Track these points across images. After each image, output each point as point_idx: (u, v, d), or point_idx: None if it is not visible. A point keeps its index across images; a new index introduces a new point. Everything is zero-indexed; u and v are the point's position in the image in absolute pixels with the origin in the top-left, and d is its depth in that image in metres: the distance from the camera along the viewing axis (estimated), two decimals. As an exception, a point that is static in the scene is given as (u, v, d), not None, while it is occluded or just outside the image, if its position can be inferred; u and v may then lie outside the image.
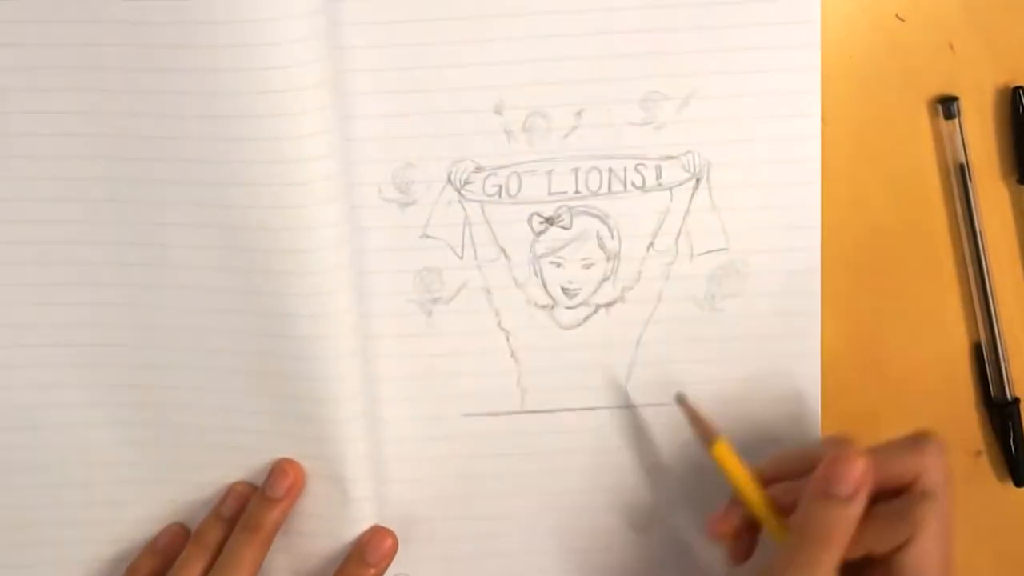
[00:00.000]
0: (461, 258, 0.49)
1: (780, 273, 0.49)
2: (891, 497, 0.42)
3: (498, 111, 0.48)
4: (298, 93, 0.43)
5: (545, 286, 0.49)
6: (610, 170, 0.48)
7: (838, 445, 0.43)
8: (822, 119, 0.48)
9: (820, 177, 0.48)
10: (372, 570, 0.48)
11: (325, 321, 0.46)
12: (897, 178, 0.50)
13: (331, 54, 0.44)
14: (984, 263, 0.50)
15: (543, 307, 0.49)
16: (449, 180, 0.48)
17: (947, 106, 0.48)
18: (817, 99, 0.47)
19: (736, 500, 0.45)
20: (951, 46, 0.49)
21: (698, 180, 0.48)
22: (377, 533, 0.48)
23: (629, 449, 0.50)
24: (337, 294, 0.46)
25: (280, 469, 0.48)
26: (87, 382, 0.48)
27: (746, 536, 0.46)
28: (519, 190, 0.48)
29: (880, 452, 0.42)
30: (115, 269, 0.47)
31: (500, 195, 0.48)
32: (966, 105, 0.49)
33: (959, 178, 0.49)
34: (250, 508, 0.48)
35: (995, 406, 0.51)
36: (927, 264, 0.50)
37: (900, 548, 0.41)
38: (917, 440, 0.42)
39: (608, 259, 0.49)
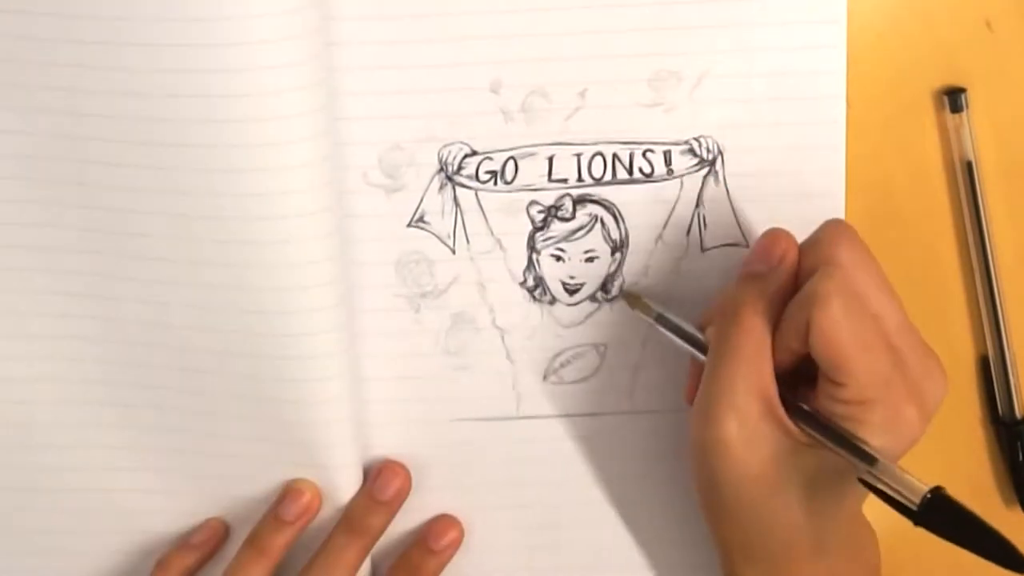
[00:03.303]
0: (453, 250, 0.48)
1: (799, 269, 0.48)
2: None
3: (494, 89, 0.46)
4: (282, 70, 0.42)
5: (544, 281, 0.48)
6: (615, 156, 0.47)
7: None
8: (847, 103, 0.47)
9: (845, 166, 0.47)
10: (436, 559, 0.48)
11: (309, 318, 0.45)
12: (917, 171, 0.49)
13: (318, 27, 0.43)
14: (992, 270, 0.48)
15: (542, 303, 0.48)
16: (440, 164, 0.47)
17: (953, 98, 0.47)
18: (842, 80, 0.46)
19: (695, 361, 0.45)
20: (988, 25, 0.48)
21: (711, 167, 0.47)
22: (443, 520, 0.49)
23: (633, 459, 0.49)
24: (323, 288, 0.45)
25: (295, 490, 0.47)
26: (52, 377, 0.47)
27: None
28: (516, 176, 0.47)
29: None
30: (83, 257, 0.46)
31: (496, 181, 0.47)
32: (1000, 91, 0.48)
33: (966, 176, 0.48)
34: (258, 527, 0.47)
35: (1003, 425, 0.50)
36: (930, 269, 0.49)
37: (807, 334, 0.40)
38: (820, 229, 0.43)
39: (613, 252, 0.48)
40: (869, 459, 0.39)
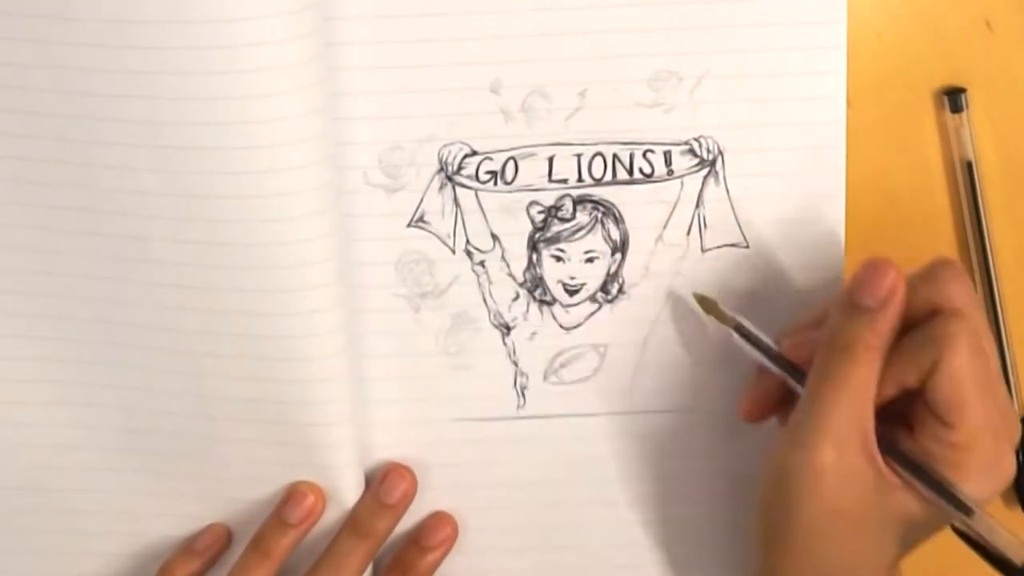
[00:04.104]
0: (453, 249, 0.47)
1: (800, 270, 0.47)
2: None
3: (495, 90, 0.46)
4: (282, 71, 0.42)
5: (544, 281, 0.48)
6: (615, 156, 0.47)
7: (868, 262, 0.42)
8: (846, 103, 0.47)
9: (845, 166, 0.47)
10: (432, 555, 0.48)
11: (310, 318, 0.45)
12: (917, 171, 0.48)
13: (319, 28, 0.43)
14: (992, 270, 0.48)
15: (542, 304, 0.48)
16: (440, 164, 0.47)
17: (953, 98, 0.47)
18: (842, 80, 0.46)
19: (760, 374, 0.45)
20: (988, 25, 0.47)
21: (711, 168, 0.47)
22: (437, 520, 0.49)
23: (633, 459, 0.49)
24: (324, 289, 0.45)
25: (299, 492, 0.47)
26: (53, 378, 0.47)
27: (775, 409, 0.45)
28: (516, 176, 0.47)
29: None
30: (84, 260, 0.46)
31: (496, 181, 0.47)
32: (1000, 91, 0.48)
33: (966, 176, 0.48)
34: (262, 530, 0.47)
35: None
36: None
37: (930, 373, 0.40)
38: (934, 267, 0.42)
39: (613, 253, 0.48)
40: (966, 509, 0.38)
